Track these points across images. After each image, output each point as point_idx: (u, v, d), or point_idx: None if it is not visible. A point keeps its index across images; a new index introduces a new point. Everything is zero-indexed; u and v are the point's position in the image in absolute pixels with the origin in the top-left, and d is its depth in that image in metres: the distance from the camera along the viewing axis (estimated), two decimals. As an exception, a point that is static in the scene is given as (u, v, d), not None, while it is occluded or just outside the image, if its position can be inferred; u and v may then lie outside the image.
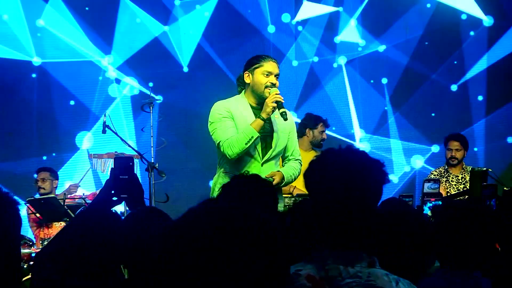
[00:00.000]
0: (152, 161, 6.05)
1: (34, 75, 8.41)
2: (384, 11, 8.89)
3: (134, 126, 8.48)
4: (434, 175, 7.07)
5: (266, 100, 4.45)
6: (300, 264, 1.84)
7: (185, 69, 8.68)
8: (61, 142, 8.47)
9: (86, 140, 8.38)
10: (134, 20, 8.60)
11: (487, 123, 8.93)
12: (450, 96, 8.92)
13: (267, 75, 4.53)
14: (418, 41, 8.87)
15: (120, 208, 5.69)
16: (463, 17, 8.82)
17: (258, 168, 4.48)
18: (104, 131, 6.43)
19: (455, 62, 8.91)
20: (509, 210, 3.72)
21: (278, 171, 4.54)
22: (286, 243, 1.37)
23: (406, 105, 8.93)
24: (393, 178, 8.75)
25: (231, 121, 4.53)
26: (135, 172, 2.97)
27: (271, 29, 8.77)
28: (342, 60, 8.86)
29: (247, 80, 4.59)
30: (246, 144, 4.41)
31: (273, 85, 4.52)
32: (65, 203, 6.45)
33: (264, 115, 4.45)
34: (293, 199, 4.83)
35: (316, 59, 8.86)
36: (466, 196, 5.69)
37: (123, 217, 2.76)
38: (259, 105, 4.57)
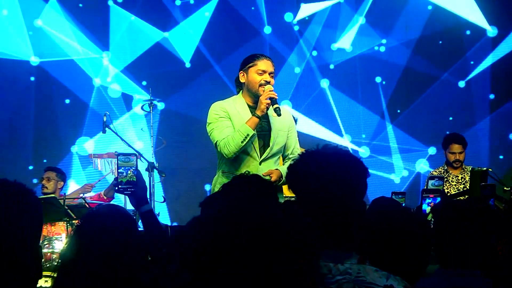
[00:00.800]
0: (152, 161, 6.06)
1: (32, 78, 8.40)
2: (386, 10, 8.89)
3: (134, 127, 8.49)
4: (434, 175, 7.05)
5: (260, 97, 4.47)
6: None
7: (187, 65, 8.67)
8: (60, 142, 8.47)
9: (88, 145, 8.38)
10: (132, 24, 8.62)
11: (490, 122, 8.91)
12: (450, 96, 8.92)
13: (260, 73, 4.54)
14: (417, 41, 8.88)
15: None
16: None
17: (256, 167, 4.48)
18: (104, 131, 6.44)
19: (459, 62, 8.91)
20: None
21: (276, 169, 4.53)
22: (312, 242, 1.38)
23: (406, 105, 8.94)
24: (395, 178, 8.75)
25: (228, 121, 4.54)
26: (138, 169, 2.99)
27: (267, 30, 8.77)
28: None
29: (242, 79, 4.61)
30: (242, 142, 4.41)
31: (267, 82, 4.53)
32: (65, 203, 6.45)
33: (258, 112, 4.45)
34: (293, 199, 4.82)
35: (313, 60, 8.87)
36: (466, 196, 5.69)
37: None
38: (255, 104, 4.57)
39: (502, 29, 8.86)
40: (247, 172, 4.33)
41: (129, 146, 6.57)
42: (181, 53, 8.70)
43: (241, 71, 4.62)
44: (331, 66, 8.89)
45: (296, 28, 8.87)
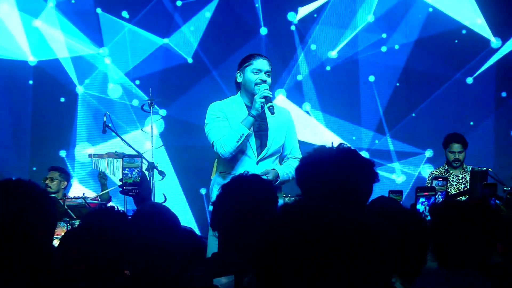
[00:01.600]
0: (152, 160, 6.05)
1: (30, 81, 8.40)
2: (387, 11, 8.89)
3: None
4: (435, 175, 7.05)
5: (255, 96, 4.47)
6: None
7: (190, 60, 8.67)
8: (60, 142, 8.47)
9: (87, 145, 8.37)
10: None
11: (493, 121, 8.91)
12: (451, 95, 8.92)
13: (256, 72, 4.55)
14: (416, 42, 8.88)
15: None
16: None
17: (253, 166, 4.46)
18: (104, 131, 6.44)
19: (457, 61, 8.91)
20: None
21: (273, 168, 4.52)
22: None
23: (406, 106, 8.94)
24: (398, 178, 8.75)
25: (225, 121, 4.54)
26: (143, 170, 3.02)
27: (263, 31, 8.77)
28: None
29: (239, 79, 4.63)
30: (237, 142, 4.41)
31: (263, 81, 4.52)
32: (65, 203, 6.45)
33: (253, 111, 4.45)
34: (293, 198, 4.82)
35: (311, 61, 8.88)
36: (467, 196, 5.69)
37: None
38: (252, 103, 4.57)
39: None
40: (246, 172, 4.32)
41: (129, 146, 6.57)
42: (181, 54, 8.69)
43: (238, 71, 4.64)
44: (328, 68, 8.87)
45: (292, 28, 8.88)
